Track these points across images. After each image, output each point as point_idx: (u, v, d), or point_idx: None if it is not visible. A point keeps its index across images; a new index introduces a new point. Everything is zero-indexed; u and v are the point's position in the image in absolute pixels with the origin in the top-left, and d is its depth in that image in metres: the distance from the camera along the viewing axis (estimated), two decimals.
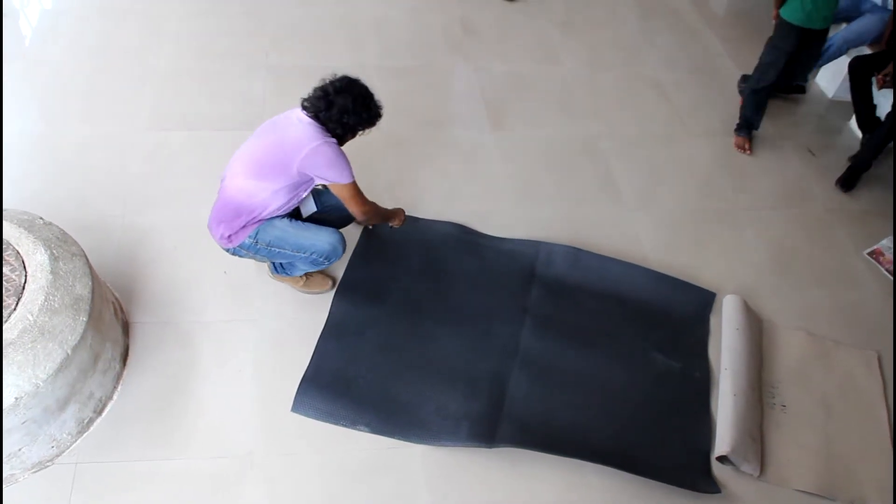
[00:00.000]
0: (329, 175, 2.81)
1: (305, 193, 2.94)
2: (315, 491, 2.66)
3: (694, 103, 4.75)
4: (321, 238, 2.92)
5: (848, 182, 4.20)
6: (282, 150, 2.78)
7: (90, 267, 2.75)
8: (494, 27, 5.21)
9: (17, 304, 2.46)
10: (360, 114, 2.83)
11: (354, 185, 2.88)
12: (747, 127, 4.41)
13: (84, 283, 2.64)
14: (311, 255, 2.93)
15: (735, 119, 4.48)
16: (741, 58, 5.13)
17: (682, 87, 4.87)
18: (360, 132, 2.93)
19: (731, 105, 4.67)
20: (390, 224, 3.30)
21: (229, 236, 2.89)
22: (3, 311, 2.43)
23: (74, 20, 4.73)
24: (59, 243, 2.72)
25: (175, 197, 3.58)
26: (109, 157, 3.78)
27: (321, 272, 3.27)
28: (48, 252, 2.62)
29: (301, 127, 2.79)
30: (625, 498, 2.77)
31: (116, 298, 3.09)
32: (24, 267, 2.57)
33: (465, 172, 4.01)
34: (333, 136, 2.84)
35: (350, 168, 2.84)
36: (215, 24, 4.84)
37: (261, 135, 2.90)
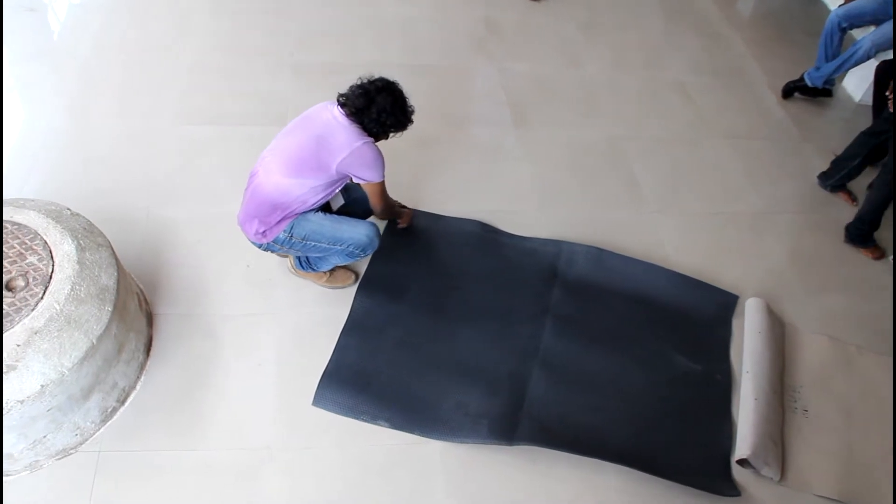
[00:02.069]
0: (367, 175, 2.89)
1: (339, 189, 2.97)
2: (335, 485, 2.67)
3: (718, 106, 4.73)
4: (359, 230, 2.96)
5: (859, 239, 3.87)
6: (320, 148, 2.80)
7: (116, 258, 2.77)
8: (518, 28, 5.21)
9: (44, 292, 2.49)
10: (397, 115, 2.86)
11: (384, 184, 2.97)
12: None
13: (110, 273, 2.67)
14: (349, 246, 2.96)
15: (757, 124, 4.43)
16: (767, 60, 5.11)
17: (705, 90, 4.85)
18: (393, 134, 2.95)
19: (755, 108, 4.64)
20: (398, 223, 3.45)
21: (264, 232, 2.91)
22: (31, 298, 2.47)
23: (102, 15, 4.78)
24: (86, 234, 2.75)
25: (200, 191, 3.61)
26: (136, 150, 3.82)
27: (344, 267, 3.28)
28: (75, 242, 2.65)
29: (340, 127, 2.82)
30: (644, 500, 2.75)
31: (141, 289, 3.12)
32: (52, 256, 2.60)
33: (487, 172, 4.01)
34: (374, 136, 2.88)
35: (384, 169, 2.92)
36: (241, 21, 4.87)
37: (294, 131, 2.90)
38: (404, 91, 2.91)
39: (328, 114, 2.86)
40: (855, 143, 3.96)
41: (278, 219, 2.88)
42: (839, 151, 4.10)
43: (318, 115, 2.88)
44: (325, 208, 3.05)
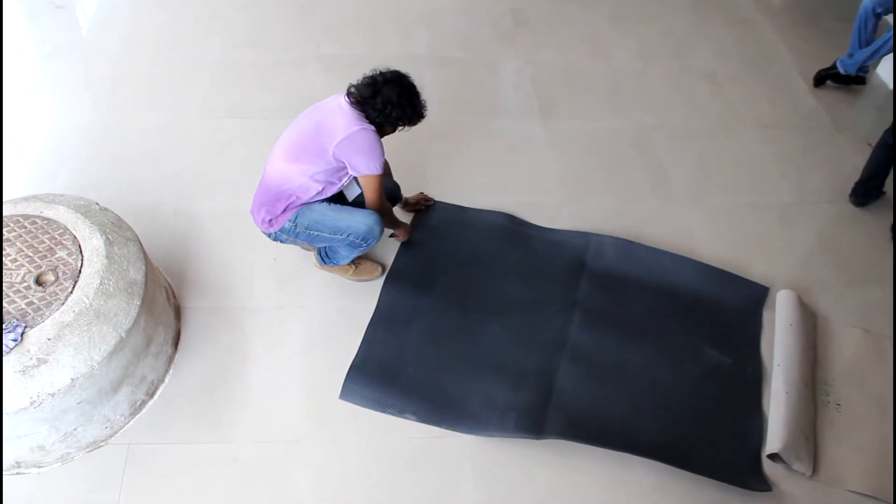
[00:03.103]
0: (360, 164, 2.82)
1: (347, 180, 2.95)
2: (362, 478, 2.67)
3: (747, 95, 4.65)
4: (357, 219, 2.92)
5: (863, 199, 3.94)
6: (319, 133, 2.80)
7: (144, 252, 2.80)
8: (545, 18, 5.16)
9: (73, 287, 2.52)
10: (403, 107, 2.82)
11: (379, 178, 2.90)
12: None
13: (138, 267, 2.69)
14: (348, 236, 2.94)
15: (788, 113, 4.35)
16: (798, 48, 5.02)
17: (735, 79, 4.77)
18: (401, 128, 2.92)
19: (786, 97, 4.57)
20: (395, 234, 3.35)
21: (270, 220, 2.93)
22: (61, 293, 2.49)
23: (130, 11, 4.82)
24: (114, 228, 2.77)
25: (227, 184, 3.63)
26: (164, 145, 3.85)
27: (370, 260, 3.29)
28: (104, 237, 2.68)
29: (341, 113, 2.81)
30: (674, 495, 2.73)
31: (169, 283, 3.14)
32: (81, 251, 2.62)
33: (514, 163, 3.99)
34: (378, 126, 2.85)
35: (381, 161, 2.84)
36: (267, 14, 4.88)
37: (301, 119, 2.93)
38: (416, 85, 2.87)
39: (335, 102, 2.86)
40: (873, 159, 3.86)
41: (283, 208, 2.89)
42: (872, 141, 4.02)
43: (326, 104, 2.89)
44: (338, 200, 3.04)
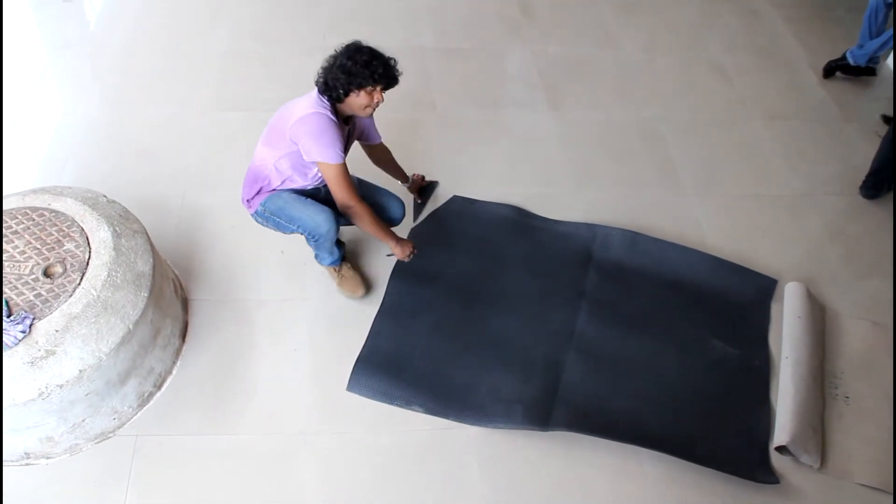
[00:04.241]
0: (311, 148, 2.68)
1: (316, 178, 2.89)
2: (368, 470, 2.68)
3: (756, 86, 4.63)
4: (309, 213, 2.84)
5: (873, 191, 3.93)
6: (282, 117, 2.78)
7: (151, 244, 2.80)
8: (552, 9, 5.14)
9: (81, 279, 2.52)
10: (360, 65, 2.62)
11: (339, 169, 2.73)
12: None
13: (145, 259, 2.70)
14: (299, 228, 2.90)
15: (797, 104, 4.31)
16: (807, 38, 4.99)
17: (744, 70, 4.75)
18: (369, 88, 2.67)
19: (795, 88, 4.54)
20: (391, 252, 3.06)
21: (248, 200, 2.95)
22: (69, 285, 2.50)
23: (137, 4, 4.82)
24: (122, 221, 2.78)
25: (233, 177, 3.60)
26: (171, 138, 3.86)
27: (359, 276, 3.19)
28: (111, 229, 2.68)
29: (305, 98, 2.75)
30: (680, 486, 2.72)
31: (176, 275, 3.15)
32: (89, 243, 2.63)
33: (521, 155, 3.98)
34: (335, 101, 2.71)
35: (337, 148, 2.68)
36: (273, 7, 4.89)
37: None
38: (377, 49, 2.70)
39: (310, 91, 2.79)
40: (882, 151, 3.83)
41: (257, 190, 2.89)
42: (882, 132, 3.99)
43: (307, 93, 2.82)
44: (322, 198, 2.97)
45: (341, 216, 2.92)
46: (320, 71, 2.72)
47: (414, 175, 3.54)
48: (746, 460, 2.80)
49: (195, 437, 2.71)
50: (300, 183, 2.90)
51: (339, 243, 3.08)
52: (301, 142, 2.70)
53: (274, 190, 2.89)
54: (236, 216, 3.41)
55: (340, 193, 2.78)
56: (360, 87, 2.66)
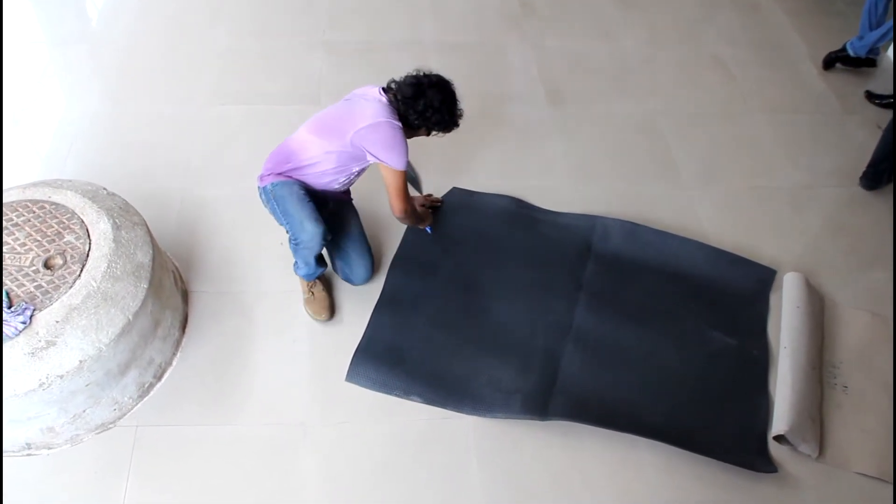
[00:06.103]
0: (383, 154, 2.76)
1: (355, 175, 2.96)
2: (367, 460, 2.69)
3: (756, 79, 4.62)
4: (301, 216, 2.81)
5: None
6: (345, 116, 2.81)
7: (151, 236, 2.82)
8: (552, 3, 5.13)
9: (81, 270, 2.54)
10: (443, 113, 2.81)
11: (403, 178, 2.85)
12: None
13: (145, 251, 2.71)
14: (287, 225, 2.90)
15: (797, 96, 4.31)
16: (807, 31, 4.98)
17: (744, 64, 4.74)
18: (434, 133, 2.92)
19: (795, 80, 4.54)
20: (422, 226, 3.32)
21: (264, 175, 2.94)
22: (69, 276, 2.52)
23: (138, 1, 4.83)
24: (122, 213, 2.79)
25: (234, 170, 3.64)
26: (172, 132, 3.88)
27: (328, 300, 3.11)
28: (111, 221, 2.70)
29: (375, 103, 2.79)
30: (679, 476, 2.73)
31: (176, 267, 3.16)
32: (89, 235, 2.65)
33: (521, 148, 3.98)
34: (407, 125, 2.82)
35: (406, 157, 2.79)
36: (273, 2, 4.89)
37: (338, 103, 2.94)
38: (457, 93, 2.86)
39: (372, 92, 2.84)
40: (883, 143, 3.82)
41: (280, 170, 2.90)
42: (882, 124, 3.98)
43: (364, 91, 2.88)
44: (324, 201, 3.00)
45: (331, 240, 3.00)
46: (407, 90, 2.79)
47: (420, 198, 3.47)
48: (745, 449, 2.80)
49: (195, 427, 2.72)
50: (328, 179, 2.93)
51: (320, 262, 3.04)
52: (371, 147, 2.76)
53: (290, 176, 2.90)
54: (236, 209, 3.43)
55: (401, 200, 2.91)
56: (438, 132, 2.90)
